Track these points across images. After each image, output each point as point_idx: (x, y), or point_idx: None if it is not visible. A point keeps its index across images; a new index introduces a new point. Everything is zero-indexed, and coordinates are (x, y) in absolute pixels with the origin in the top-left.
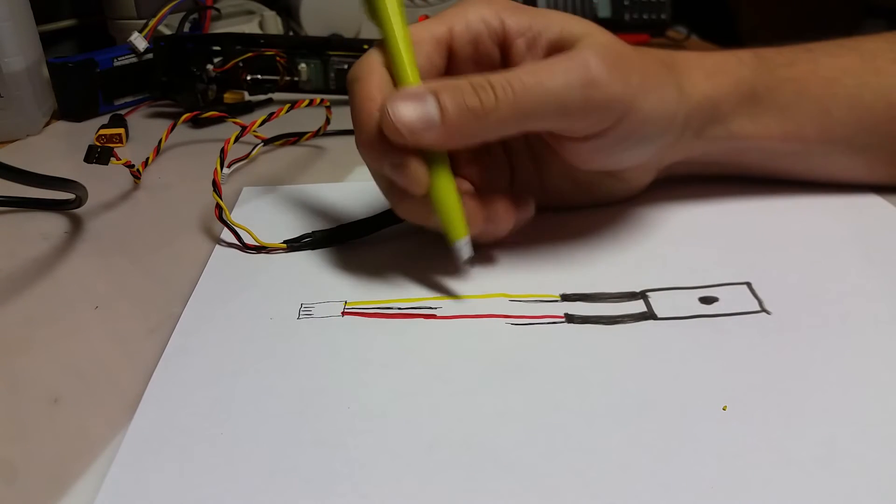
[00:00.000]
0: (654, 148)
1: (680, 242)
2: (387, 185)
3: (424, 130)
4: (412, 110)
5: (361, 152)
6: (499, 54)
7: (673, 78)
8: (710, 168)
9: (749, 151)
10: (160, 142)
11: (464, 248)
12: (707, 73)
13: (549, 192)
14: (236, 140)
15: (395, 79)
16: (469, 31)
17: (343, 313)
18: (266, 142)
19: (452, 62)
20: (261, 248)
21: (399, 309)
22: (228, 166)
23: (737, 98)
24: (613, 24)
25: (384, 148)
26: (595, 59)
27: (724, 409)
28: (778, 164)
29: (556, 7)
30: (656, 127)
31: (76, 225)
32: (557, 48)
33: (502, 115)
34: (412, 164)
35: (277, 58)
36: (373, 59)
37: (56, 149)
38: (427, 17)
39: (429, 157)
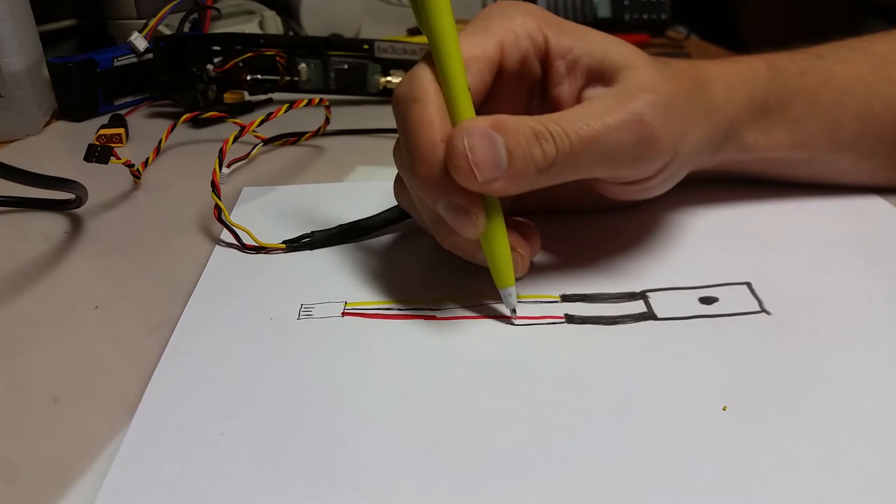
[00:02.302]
0: (683, 176)
1: (680, 242)
2: (435, 219)
3: (495, 176)
4: (486, 153)
5: (417, 184)
6: (540, 71)
7: (701, 102)
8: (714, 174)
9: (757, 161)
10: (160, 142)
11: (511, 297)
12: (726, 86)
13: (555, 198)
14: (235, 140)
15: (451, 104)
16: (518, 48)
17: (343, 314)
18: (266, 142)
19: (498, 78)
20: (260, 249)
21: (399, 310)
22: (228, 166)
23: (750, 112)
24: (613, 24)
25: (448, 186)
26: (648, 112)
27: (724, 409)
28: (783, 171)
29: (556, 8)
30: (692, 163)
31: (76, 225)
32: (597, 76)
33: (558, 169)
34: (475, 210)
35: (277, 58)
36: (426, 76)
37: (56, 149)
38: None
39: (486, 200)
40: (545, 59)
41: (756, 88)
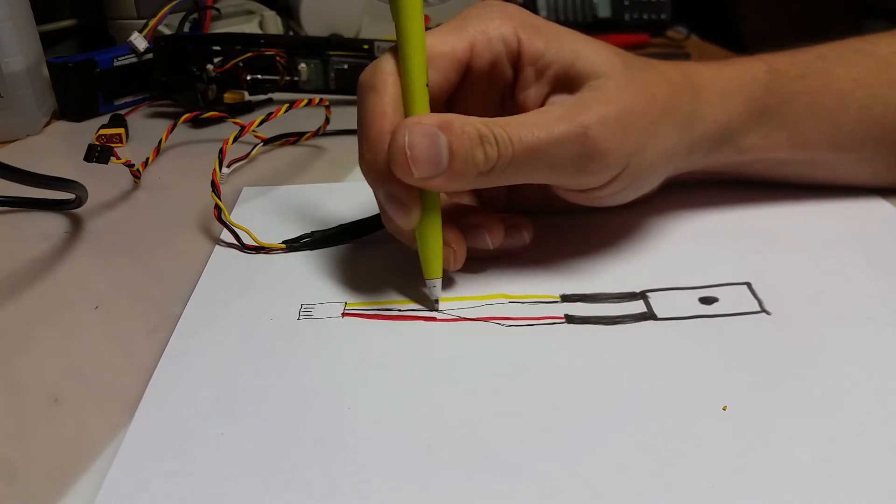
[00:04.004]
0: (656, 184)
1: (680, 243)
2: (379, 202)
3: (432, 174)
4: (426, 151)
5: (362, 169)
6: (512, 74)
7: (682, 111)
8: (713, 176)
9: (756, 163)
10: (160, 142)
11: (435, 288)
12: (720, 92)
13: (549, 197)
14: (235, 140)
15: (406, 98)
16: (490, 51)
17: (343, 314)
18: (266, 142)
19: (466, 77)
20: (260, 249)
21: (399, 310)
22: (228, 166)
23: (748, 116)
24: (613, 24)
25: (388, 175)
26: (595, 126)
27: (724, 409)
28: (782, 172)
29: (556, 8)
30: (655, 172)
31: (76, 225)
32: (563, 83)
33: (499, 172)
34: (409, 203)
35: (277, 58)
36: (388, 67)
37: (56, 149)
38: (427, 17)
39: (424, 194)
40: (517, 62)
41: (754, 93)
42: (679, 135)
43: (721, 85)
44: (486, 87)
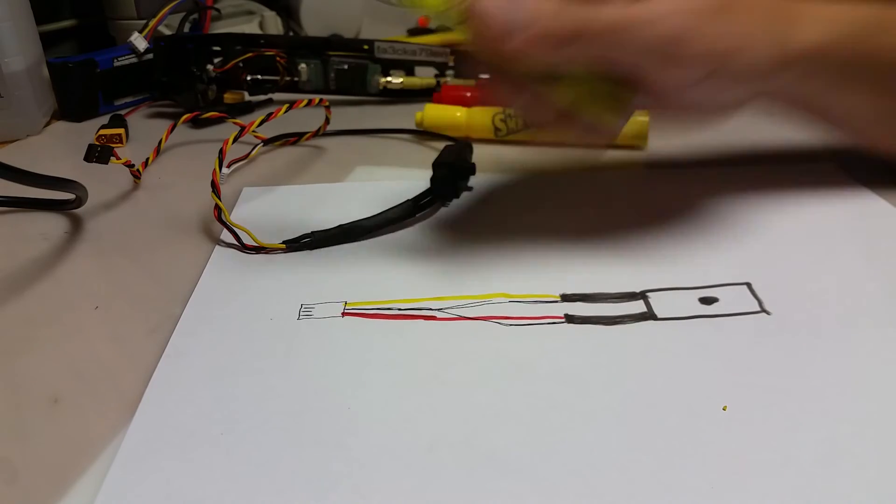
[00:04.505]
0: (742, 98)
1: (680, 242)
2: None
3: (509, 35)
4: (502, 11)
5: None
6: None
7: (778, 25)
8: (796, 109)
9: (835, 107)
10: (160, 142)
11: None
12: (815, 19)
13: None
14: (235, 140)
15: None
16: None
17: (343, 314)
18: (266, 142)
19: None
20: (260, 249)
21: (399, 310)
22: (228, 166)
23: (840, 53)
24: None
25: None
26: (685, 11)
27: (724, 409)
28: (863, 129)
29: None
30: (744, 80)
31: (76, 225)
32: None
33: (585, 45)
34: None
35: (277, 58)
36: None
37: (56, 149)
38: (428, 18)
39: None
40: None
41: (850, 31)
42: (777, 46)
43: (820, 13)
44: None
